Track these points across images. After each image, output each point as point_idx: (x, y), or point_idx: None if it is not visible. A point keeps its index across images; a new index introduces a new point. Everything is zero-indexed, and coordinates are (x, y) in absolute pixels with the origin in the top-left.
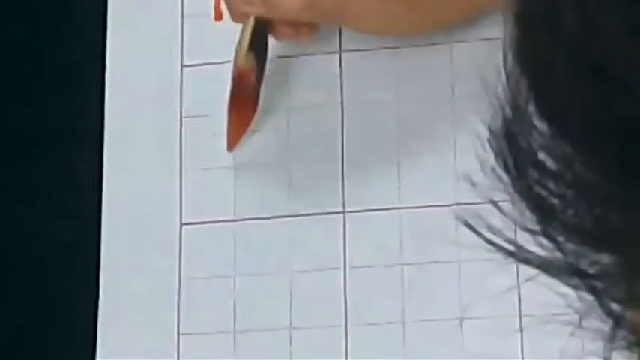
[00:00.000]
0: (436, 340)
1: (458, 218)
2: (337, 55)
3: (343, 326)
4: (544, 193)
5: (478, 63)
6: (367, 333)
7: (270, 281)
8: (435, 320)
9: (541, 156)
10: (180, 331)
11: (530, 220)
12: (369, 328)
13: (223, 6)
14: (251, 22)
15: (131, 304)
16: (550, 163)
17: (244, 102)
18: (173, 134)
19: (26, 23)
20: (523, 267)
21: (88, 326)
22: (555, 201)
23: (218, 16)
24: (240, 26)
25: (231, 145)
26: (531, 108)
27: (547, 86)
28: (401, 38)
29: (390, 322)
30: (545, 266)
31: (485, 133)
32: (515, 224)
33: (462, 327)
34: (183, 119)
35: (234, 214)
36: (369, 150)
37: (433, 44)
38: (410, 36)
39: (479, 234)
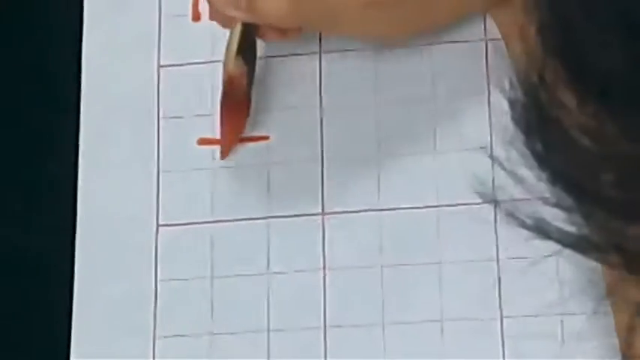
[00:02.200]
0: (416, 342)
1: (481, 197)
2: (317, 56)
3: (322, 328)
4: (578, 170)
5: (459, 64)
6: (346, 335)
7: (248, 283)
8: (415, 322)
9: (574, 133)
10: (157, 334)
11: (559, 196)
12: (348, 330)
13: (201, 6)
14: (239, 26)
15: (106, 306)
16: (584, 139)
17: (236, 106)
18: (150, 135)
19: None
20: (504, 268)
21: (63, 329)
22: (591, 177)
23: (196, 17)
24: (218, 29)
25: (225, 152)
26: (560, 83)
27: (584, 54)
28: (385, 42)
29: (369, 325)
30: (575, 243)
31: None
32: (543, 201)
33: (442, 329)
34: (160, 120)
35: (212, 216)
36: (349, 151)
37: (413, 45)
38: (395, 40)
39: (506, 213)
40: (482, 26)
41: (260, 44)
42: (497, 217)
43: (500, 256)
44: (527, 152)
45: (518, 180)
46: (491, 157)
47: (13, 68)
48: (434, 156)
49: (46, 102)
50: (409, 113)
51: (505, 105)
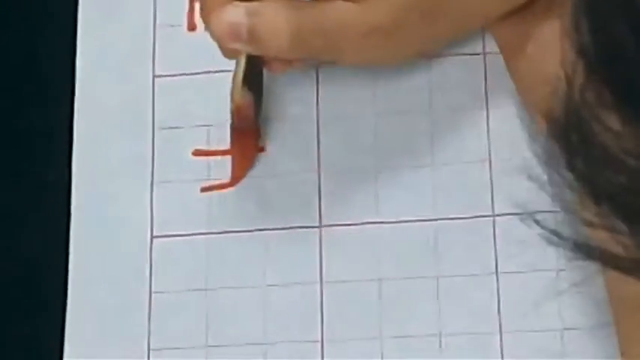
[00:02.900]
0: (414, 356)
1: (522, 220)
2: (314, 68)
3: (319, 341)
4: (622, 189)
5: (457, 77)
6: (344, 348)
7: (244, 295)
8: (413, 336)
9: (617, 153)
10: (151, 347)
11: (604, 217)
12: (345, 344)
13: (197, 17)
14: (244, 57)
15: (100, 318)
16: (628, 159)
17: (245, 136)
18: (145, 146)
19: None
20: (503, 282)
21: (55, 341)
22: (636, 196)
23: (192, 27)
24: None
25: (236, 180)
26: (602, 104)
27: (631, 76)
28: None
29: (367, 338)
30: (621, 264)
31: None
32: (585, 223)
33: (441, 343)
34: (155, 130)
35: (207, 228)
36: (346, 164)
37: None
38: (397, 64)
39: (549, 236)
40: (481, 40)
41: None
42: (496, 231)
43: (500, 270)
44: (569, 173)
45: (561, 202)
46: (490, 170)
47: (7, 78)
48: (432, 169)
49: (40, 112)
50: (407, 126)
51: (503, 118)
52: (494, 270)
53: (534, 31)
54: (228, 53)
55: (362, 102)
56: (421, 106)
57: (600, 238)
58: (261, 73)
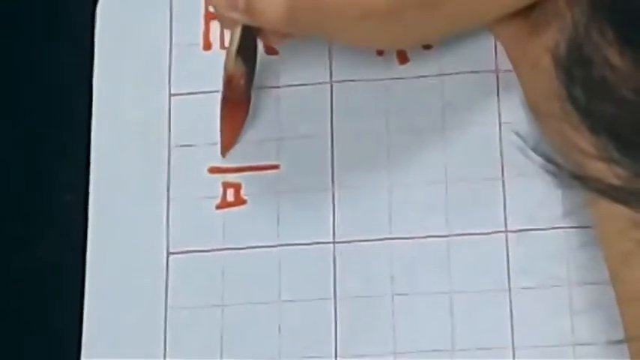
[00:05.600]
0: None
1: (521, 150)
2: (328, 86)
3: (333, 357)
4: (621, 119)
5: (469, 95)
6: None
7: (259, 312)
8: (426, 352)
9: (617, 85)
10: None
11: (603, 148)
12: None
13: (212, 36)
14: (239, 28)
15: (116, 334)
16: (627, 92)
17: (235, 106)
18: (161, 163)
19: (11, 51)
20: (516, 297)
21: (72, 356)
22: (634, 127)
23: (207, 46)
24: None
25: (225, 150)
26: (605, 41)
27: (634, 13)
28: (388, 50)
29: (380, 354)
30: (619, 195)
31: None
32: (585, 154)
33: (453, 359)
34: (171, 148)
35: (223, 244)
36: (360, 180)
37: (423, 76)
38: (395, 49)
39: (550, 162)
40: (494, 57)
41: (270, 74)
42: (509, 247)
43: (512, 286)
44: (569, 104)
45: (559, 133)
46: (503, 186)
47: (25, 96)
48: (445, 185)
49: (58, 130)
50: (420, 142)
51: (515, 136)
52: (507, 286)
53: (545, 44)
54: (226, 23)
55: (375, 119)
56: (434, 123)
57: (596, 169)
58: (255, 46)
